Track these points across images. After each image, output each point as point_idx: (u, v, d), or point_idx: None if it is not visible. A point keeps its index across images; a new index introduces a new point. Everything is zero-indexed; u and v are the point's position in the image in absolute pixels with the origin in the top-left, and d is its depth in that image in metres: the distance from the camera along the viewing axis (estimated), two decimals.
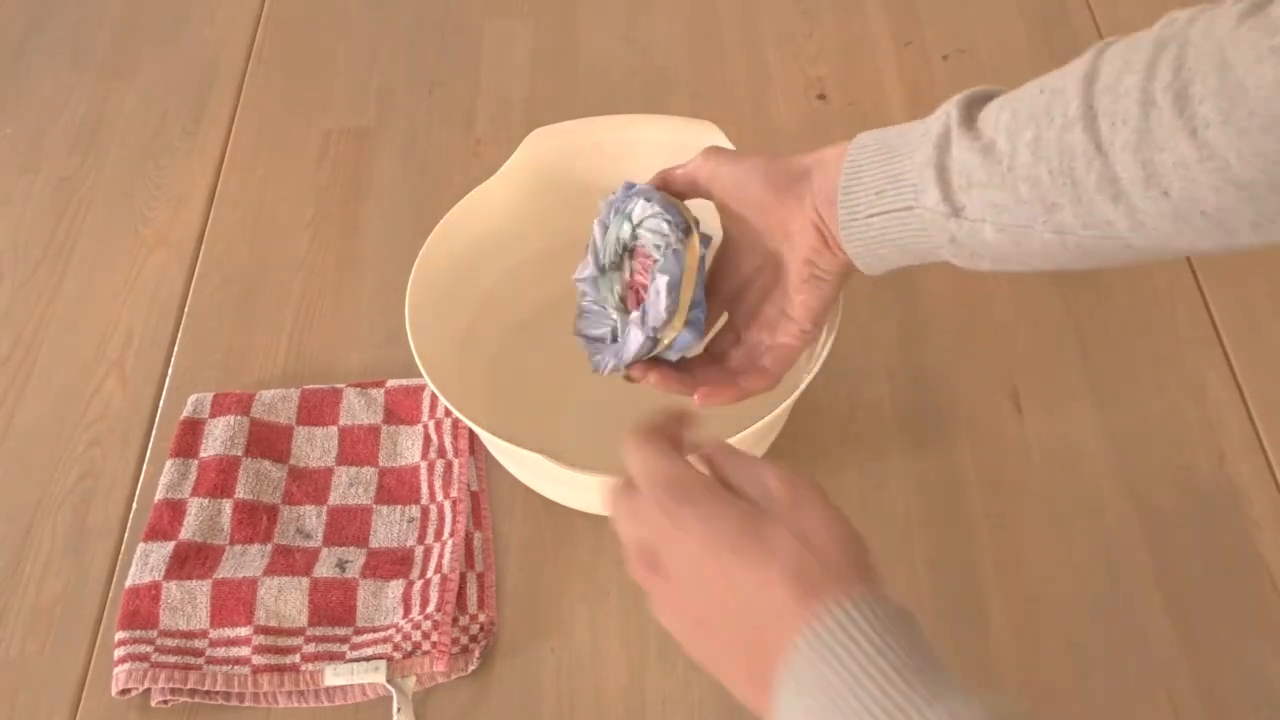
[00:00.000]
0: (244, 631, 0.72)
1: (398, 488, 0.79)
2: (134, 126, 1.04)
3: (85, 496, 0.82)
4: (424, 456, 0.80)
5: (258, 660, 0.71)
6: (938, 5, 1.10)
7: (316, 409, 0.83)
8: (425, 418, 0.82)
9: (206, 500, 0.78)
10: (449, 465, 0.79)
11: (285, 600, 0.73)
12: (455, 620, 0.72)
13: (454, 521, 0.76)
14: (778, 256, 0.69)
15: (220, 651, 0.72)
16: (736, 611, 0.45)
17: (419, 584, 0.73)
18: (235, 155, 1.02)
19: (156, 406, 0.86)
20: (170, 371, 0.88)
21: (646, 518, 0.49)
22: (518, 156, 0.80)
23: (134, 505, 0.81)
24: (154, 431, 0.85)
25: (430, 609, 0.71)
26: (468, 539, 0.76)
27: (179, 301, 0.92)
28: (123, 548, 0.79)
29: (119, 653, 0.72)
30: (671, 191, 0.71)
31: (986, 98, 0.60)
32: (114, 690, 0.71)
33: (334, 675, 0.70)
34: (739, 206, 0.68)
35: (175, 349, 0.89)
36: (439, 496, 0.78)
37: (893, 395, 0.84)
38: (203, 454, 0.80)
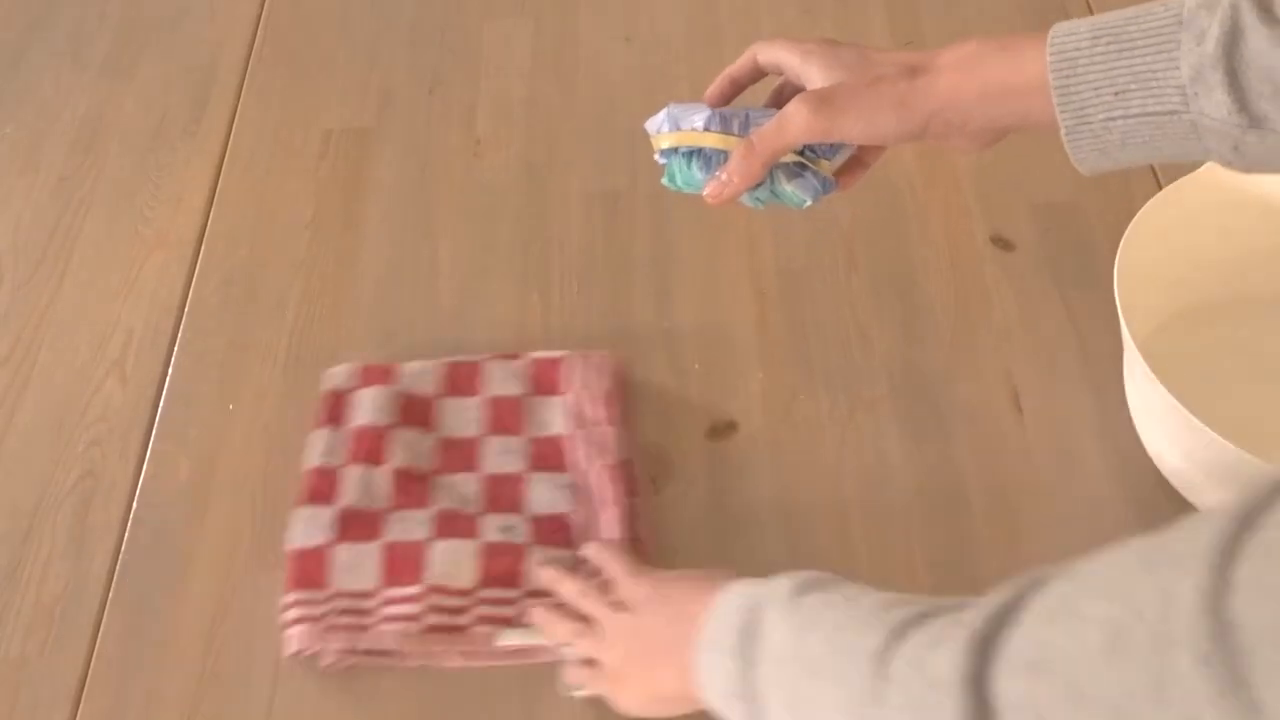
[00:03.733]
0: (414, 590, 0.73)
1: (548, 456, 0.80)
2: (134, 126, 1.04)
3: (85, 496, 0.82)
4: (571, 427, 0.81)
5: (431, 619, 0.72)
6: (938, 5, 1.10)
7: (460, 381, 0.84)
8: (570, 388, 0.82)
9: (362, 468, 0.78)
10: (599, 435, 0.80)
11: (455, 562, 0.73)
12: None
13: (611, 489, 0.77)
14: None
15: (391, 610, 0.72)
16: (671, 614, 0.62)
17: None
18: (235, 155, 1.02)
19: (156, 406, 0.86)
20: (170, 371, 0.88)
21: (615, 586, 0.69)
22: None
23: (134, 505, 0.81)
24: (154, 431, 0.85)
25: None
26: (627, 507, 0.77)
27: (179, 301, 0.92)
28: (123, 547, 0.79)
29: (291, 614, 0.72)
30: (768, 164, 0.66)
31: None
32: (287, 653, 0.71)
33: (509, 637, 0.71)
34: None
35: (175, 349, 0.89)
36: (591, 465, 0.79)
37: (893, 395, 0.84)
38: (351, 424, 0.81)
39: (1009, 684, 0.41)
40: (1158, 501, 0.78)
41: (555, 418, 0.82)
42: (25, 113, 1.06)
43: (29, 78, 1.09)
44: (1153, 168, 0.96)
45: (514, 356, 0.85)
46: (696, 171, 0.69)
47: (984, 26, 1.07)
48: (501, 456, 0.80)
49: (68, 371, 0.88)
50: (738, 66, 0.71)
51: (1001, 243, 0.93)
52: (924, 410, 0.83)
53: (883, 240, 0.93)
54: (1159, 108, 0.53)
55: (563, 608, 0.70)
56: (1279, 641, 0.32)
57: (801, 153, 0.68)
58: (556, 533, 0.77)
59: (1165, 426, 0.75)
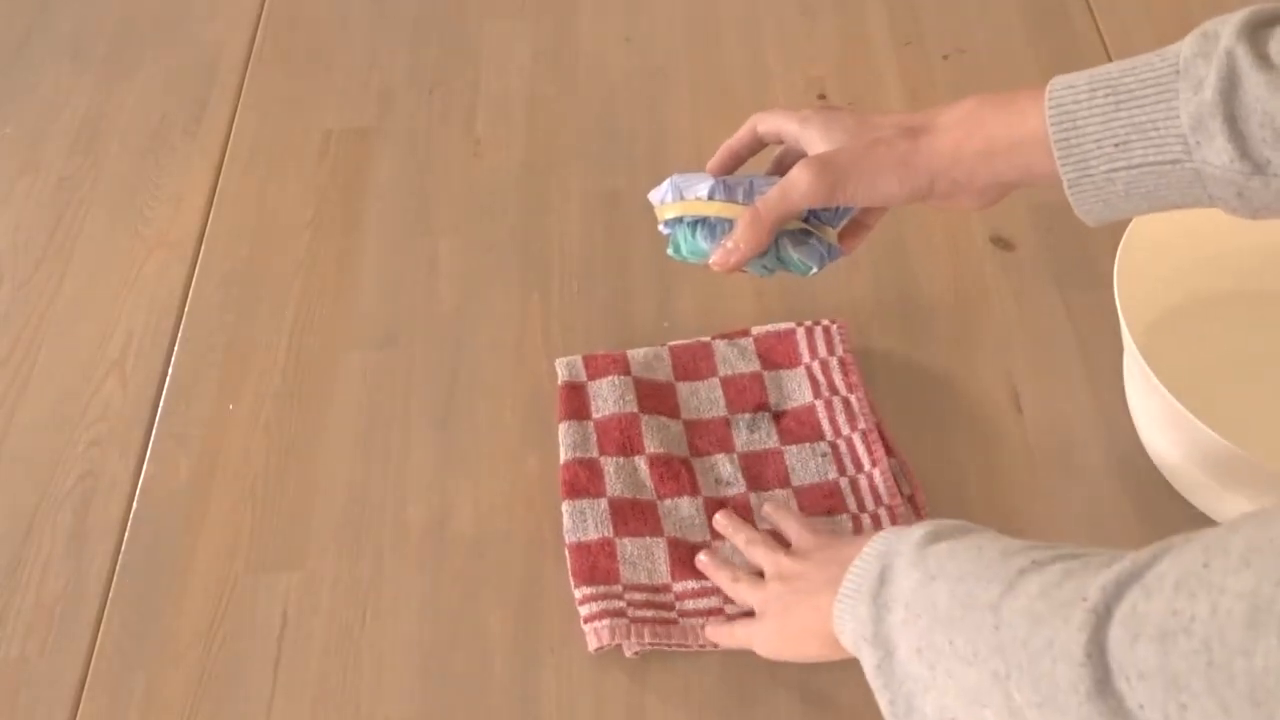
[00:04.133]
0: (710, 584, 0.74)
1: (799, 428, 0.81)
2: (134, 126, 1.04)
3: (85, 496, 0.82)
4: (816, 396, 0.81)
5: (730, 609, 0.72)
6: (938, 5, 1.10)
7: (691, 364, 0.84)
8: (806, 359, 0.83)
9: (621, 458, 0.79)
10: (846, 401, 0.80)
11: (740, 554, 0.74)
12: None
13: (871, 452, 0.78)
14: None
15: (690, 604, 0.73)
16: (825, 562, 0.64)
17: (865, 517, 0.76)
18: (235, 155, 1.02)
19: (156, 406, 0.86)
20: (170, 371, 0.88)
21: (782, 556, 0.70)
22: None
23: (134, 505, 0.81)
24: (154, 431, 0.85)
25: None
26: (891, 467, 0.78)
27: (179, 301, 0.92)
28: (123, 547, 0.79)
29: (589, 609, 0.73)
30: (773, 232, 0.66)
31: (1273, 20, 0.51)
32: (591, 647, 0.72)
33: None
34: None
35: (175, 349, 0.89)
36: (845, 431, 0.80)
37: (893, 395, 0.84)
38: (596, 415, 0.82)
39: (1137, 652, 0.41)
40: (1158, 501, 0.78)
41: (797, 389, 0.83)
42: (25, 113, 1.06)
43: (29, 78, 1.09)
44: None
45: (741, 334, 0.86)
46: (701, 241, 0.69)
47: (984, 26, 1.07)
48: (752, 434, 0.81)
49: (68, 372, 0.88)
50: (737, 139, 0.72)
51: (1001, 243, 0.93)
52: (924, 410, 0.83)
53: (883, 240, 0.93)
54: (1161, 157, 0.53)
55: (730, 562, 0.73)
56: None
57: (805, 219, 0.68)
58: (826, 500, 0.78)
59: (1165, 426, 0.75)
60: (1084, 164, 0.55)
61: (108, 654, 0.74)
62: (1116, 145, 0.54)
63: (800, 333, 0.85)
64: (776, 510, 0.76)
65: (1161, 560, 0.43)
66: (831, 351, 0.83)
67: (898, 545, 0.58)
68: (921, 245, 0.93)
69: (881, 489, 0.77)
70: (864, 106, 1.02)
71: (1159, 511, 0.78)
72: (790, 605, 0.66)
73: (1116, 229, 0.81)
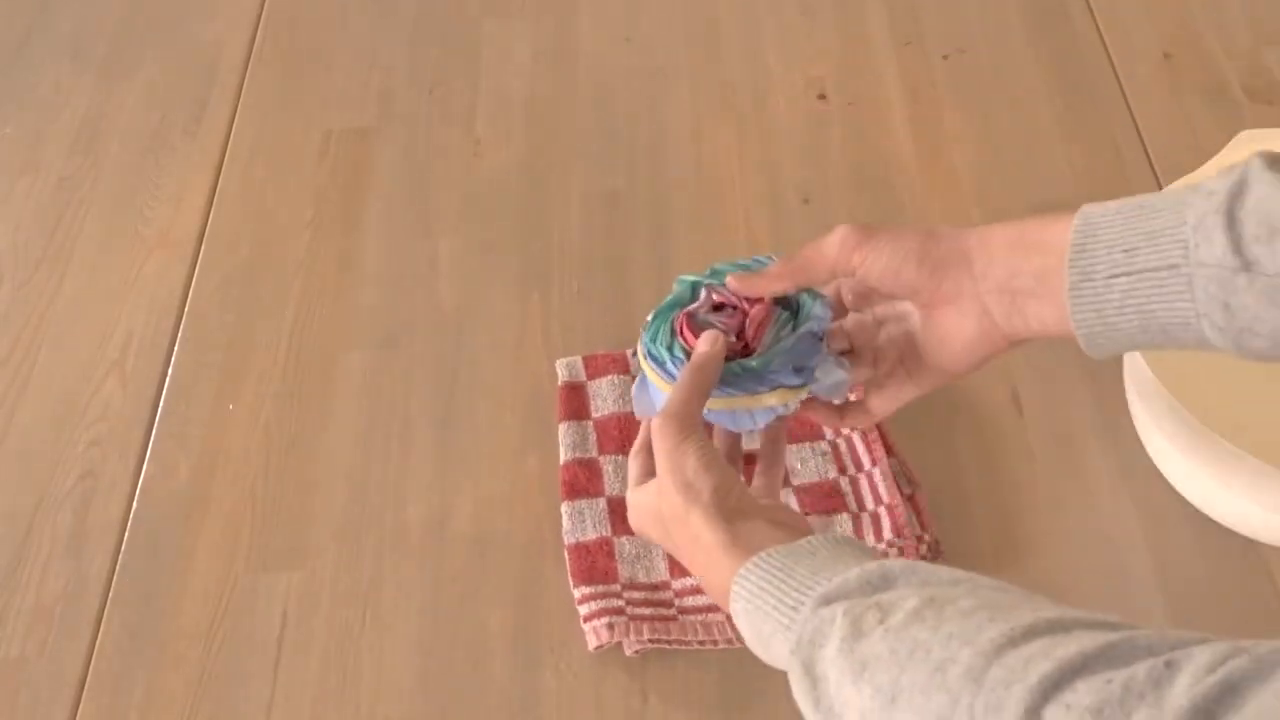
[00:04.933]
0: None
1: (798, 427, 0.80)
2: (134, 126, 1.04)
3: (85, 496, 0.82)
4: None
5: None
6: (938, 5, 1.10)
7: None
8: None
9: (620, 457, 0.79)
10: None
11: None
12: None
13: (871, 451, 0.78)
14: (915, 327, 0.64)
15: (689, 601, 0.73)
16: (700, 564, 0.58)
17: (865, 516, 0.76)
18: (235, 155, 1.02)
19: (156, 406, 0.86)
20: (170, 371, 0.88)
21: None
22: (1224, 155, 0.82)
23: (134, 505, 0.81)
24: (154, 431, 0.85)
25: (887, 535, 0.74)
26: (891, 466, 0.78)
27: (179, 301, 0.92)
28: (123, 547, 0.79)
29: (588, 608, 0.73)
30: (805, 279, 0.64)
31: None
32: (591, 646, 0.72)
33: None
34: (890, 289, 0.62)
35: (175, 349, 0.89)
36: (843, 430, 0.79)
37: None
38: (595, 415, 0.82)
39: None
40: (1158, 500, 0.78)
41: None
42: (25, 113, 1.06)
43: (29, 78, 1.09)
44: (1152, 168, 0.96)
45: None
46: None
47: (984, 26, 1.07)
48: (752, 434, 0.80)
49: (68, 372, 0.88)
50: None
51: None
52: (924, 410, 0.83)
53: None
54: (1160, 262, 0.54)
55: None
56: None
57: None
58: (826, 499, 0.77)
59: (1165, 426, 0.75)
60: (1090, 268, 0.56)
61: (108, 654, 0.74)
62: (1125, 251, 0.55)
63: None
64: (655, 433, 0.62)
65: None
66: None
67: (812, 635, 0.50)
68: None
69: (881, 488, 0.77)
70: (864, 106, 1.02)
71: (1159, 511, 0.78)
72: (696, 568, 0.59)
73: None
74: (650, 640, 0.72)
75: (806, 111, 1.02)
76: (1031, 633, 0.44)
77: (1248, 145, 0.84)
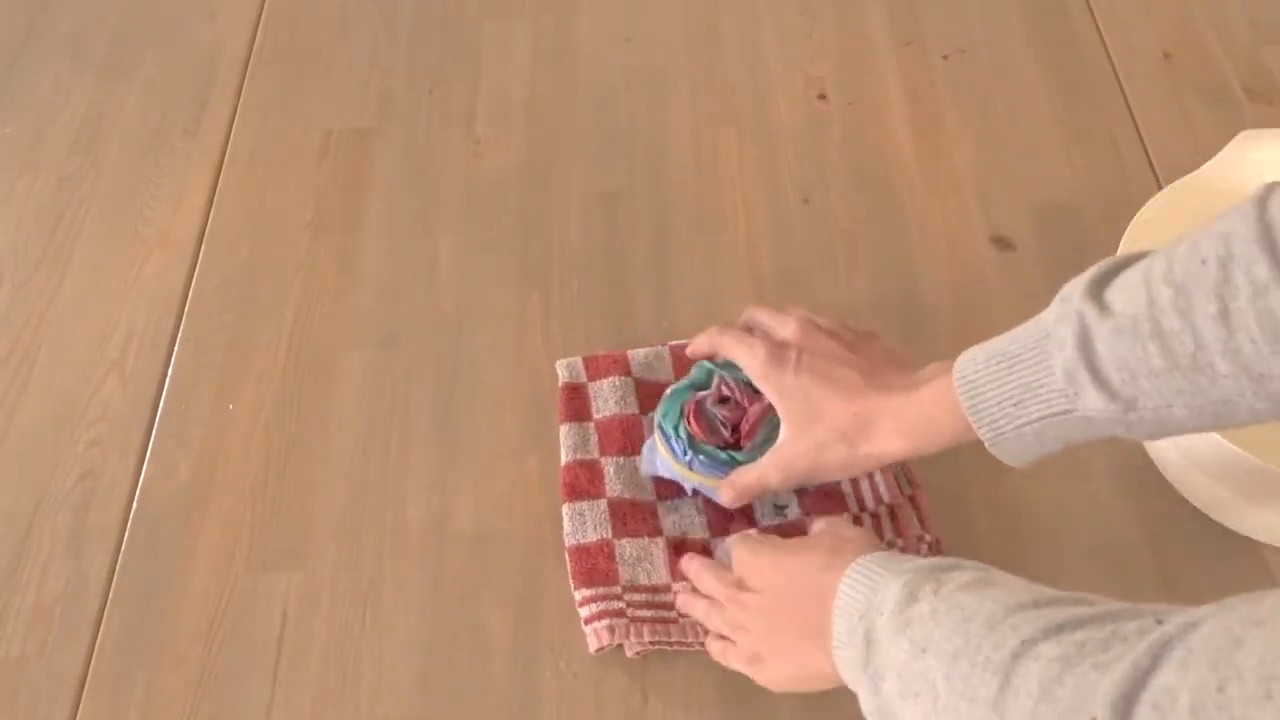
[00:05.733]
0: None
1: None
2: (134, 126, 1.04)
3: (85, 496, 0.82)
4: None
5: None
6: (938, 5, 1.10)
7: (691, 363, 0.83)
8: None
9: (621, 458, 0.79)
10: None
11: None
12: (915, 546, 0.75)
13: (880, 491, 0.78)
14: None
15: None
16: (797, 596, 0.65)
17: (866, 516, 0.76)
18: (235, 155, 1.02)
19: (156, 406, 0.86)
20: (170, 371, 0.88)
21: (736, 564, 0.71)
22: (1225, 155, 0.83)
23: (134, 505, 0.81)
24: (154, 431, 0.85)
25: (888, 536, 0.75)
26: (894, 468, 0.78)
27: (179, 301, 0.92)
28: (123, 547, 0.79)
29: (589, 609, 0.73)
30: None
31: (1111, 274, 0.59)
32: (592, 649, 0.72)
33: None
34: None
35: (175, 349, 0.89)
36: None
37: None
38: (597, 415, 0.82)
39: None
40: (1158, 501, 0.78)
41: None
42: (25, 113, 1.06)
43: (29, 78, 1.09)
44: (1152, 168, 0.96)
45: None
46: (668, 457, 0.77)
47: (984, 26, 1.07)
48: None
49: (68, 371, 0.88)
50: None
51: (1001, 243, 0.93)
52: None
53: (883, 240, 0.93)
54: (1050, 410, 0.60)
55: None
56: None
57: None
58: (827, 500, 0.77)
59: None
60: (995, 424, 0.62)
61: (108, 654, 0.74)
62: (1015, 405, 0.61)
63: None
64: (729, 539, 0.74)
65: (1164, 665, 0.41)
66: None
67: (877, 603, 0.57)
68: (921, 245, 0.93)
69: (882, 489, 0.77)
70: (864, 106, 1.02)
71: (1159, 512, 0.78)
72: (793, 646, 0.65)
73: (1115, 230, 0.81)
74: (651, 642, 0.71)
75: (806, 111, 1.02)
76: (1057, 601, 0.50)
77: (1248, 145, 0.84)
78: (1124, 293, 0.57)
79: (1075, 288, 0.60)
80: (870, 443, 0.69)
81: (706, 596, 0.71)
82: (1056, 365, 0.59)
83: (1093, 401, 0.58)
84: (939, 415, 0.65)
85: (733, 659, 0.69)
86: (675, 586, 0.74)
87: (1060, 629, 0.47)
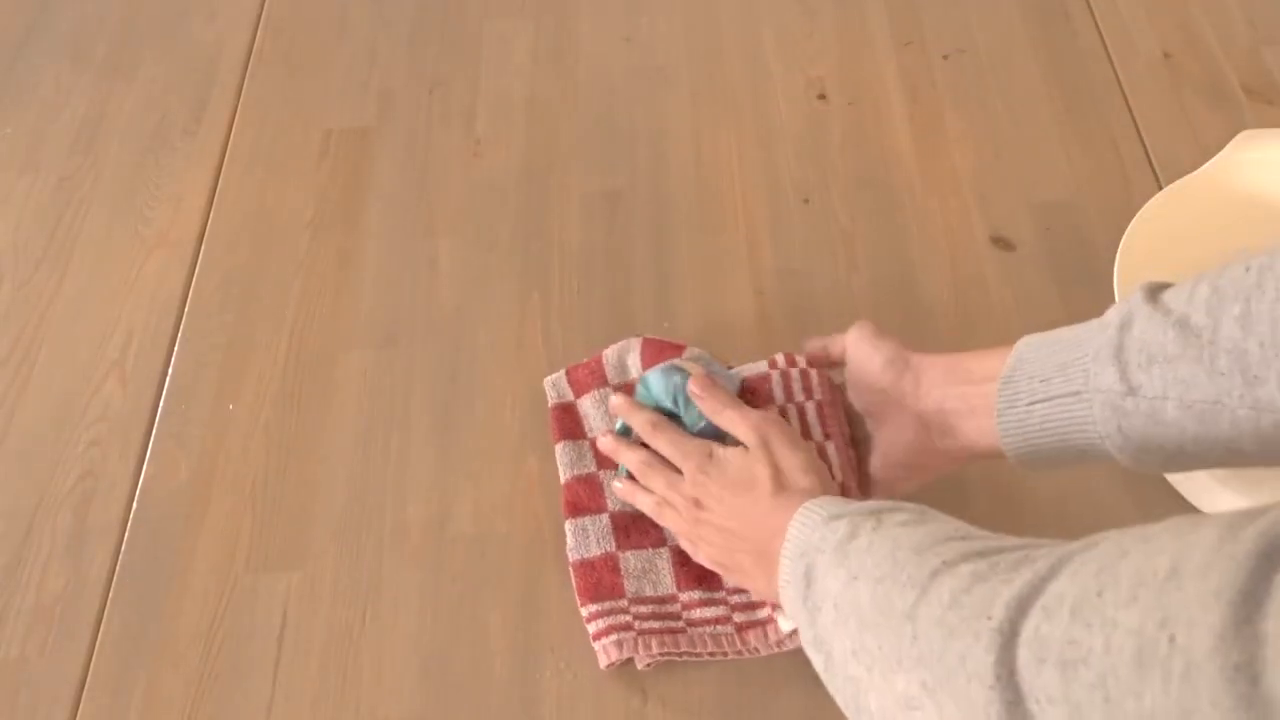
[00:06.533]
0: (719, 593, 0.74)
1: (752, 399, 0.79)
2: (134, 126, 1.04)
3: (85, 496, 0.82)
4: (772, 367, 0.80)
5: (739, 618, 0.73)
6: (938, 5, 1.10)
7: (660, 355, 0.82)
8: (780, 401, 0.80)
9: (616, 472, 0.79)
10: (804, 374, 0.80)
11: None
12: None
13: (824, 425, 0.77)
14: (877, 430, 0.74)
15: (697, 613, 0.73)
16: (750, 534, 0.67)
17: (793, 408, 0.77)
18: (235, 155, 1.02)
19: (156, 406, 0.86)
20: (170, 371, 0.88)
21: (688, 481, 0.72)
22: (1225, 155, 0.83)
23: (134, 505, 0.81)
24: (154, 431, 0.85)
25: (816, 437, 0.75)
26: (846, 437, 0.77)
27: (179, 301, 0.92)
28: (123, 547, 0.79)
29: (597, 625, 0.73)
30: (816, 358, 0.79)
31: (1165, 285, 0.61)
32: (601, 665, 0.72)
33: (786, 623, 0.72)
34: (862, 383, 0.74)
35: (175, 349, 0.89)
36: (798, 398, 0.79)
37: None
38: (590, 434, 0.81)
39: (1043, 677, 0.42)
40: (1156, 499, 0.78)
41: (756, 364, 0.81)
42: (25, 113, 1.06)
43: (29, 78, 1.09)
44: (1152, 168, 0.96)
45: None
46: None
47: (984, 26, 1.07)
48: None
49: (68, 371, 0.88)
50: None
51: (1001, 243, 0.93)
52: None
53: (883, 240, 0.93)
54: (1066, 388, 0.61)
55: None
56: None
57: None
58: (754, 396, 0.78)
59: None
60: (1015, 396, 0.64)
61: (108, 654, 0.74)
62: (1042, 380, 0.63)
63: (776, 376, 0.81)
64: (651, 435, 0.75)
65: (1060, 575, 0.44)
66: (809, 396, 0.79)
67: (819, 543, 0.60)
68: (921, 245, 0.93)
69: (837, 461, 0.75)
70: (864, 106, 1.02)
71: (1158, 510, 0.77)
72: (748, 567, 0.68)
73: (1115, 230, 0.81)
74: (660, 654, 0.71)
75: (806, 111, 1.02)
76: (988, 537, 0.53)
77: (1248, 145, 0.84)
78: (1177, 291, 0.59)
79: (1144, 286, 0.61)
80: (923, 360, 0.71)
81: (649, 490, 0.74)
82: (1091, 345, 0.61)
83: (1104, 378, 0.59)
84: (980, 369, 0.67)
85: (703, 560, 0.72)
86: (682, 597, 0.74)
87: (982, 554, 0.50)
